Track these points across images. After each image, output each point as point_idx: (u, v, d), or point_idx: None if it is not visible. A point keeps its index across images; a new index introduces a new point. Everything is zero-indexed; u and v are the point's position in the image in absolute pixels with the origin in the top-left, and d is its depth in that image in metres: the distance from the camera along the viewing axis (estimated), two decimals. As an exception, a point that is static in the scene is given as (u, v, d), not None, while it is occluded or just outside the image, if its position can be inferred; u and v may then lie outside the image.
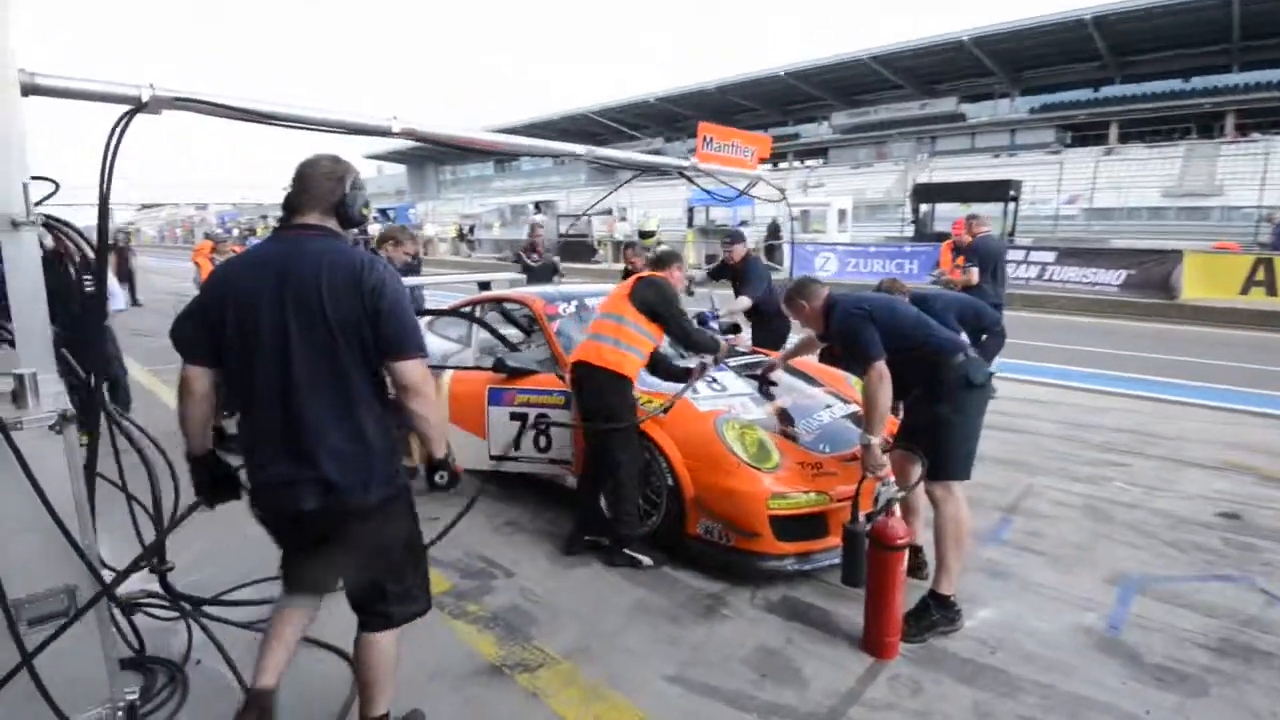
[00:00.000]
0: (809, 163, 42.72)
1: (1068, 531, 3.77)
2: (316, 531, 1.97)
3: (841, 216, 19.90)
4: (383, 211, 34.98)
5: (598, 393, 3.36)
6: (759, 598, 3.09)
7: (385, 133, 2.89)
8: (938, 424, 2.85)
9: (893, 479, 3.32)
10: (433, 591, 2.93)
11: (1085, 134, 32.82)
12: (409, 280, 5.26)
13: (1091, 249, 14.30)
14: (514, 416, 3.88)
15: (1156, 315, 11.81)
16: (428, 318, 5.16)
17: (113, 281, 5.35)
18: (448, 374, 4.31)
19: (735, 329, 5.33)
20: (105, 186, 2.33)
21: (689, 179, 4.58)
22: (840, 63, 35.28)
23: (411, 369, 1.88)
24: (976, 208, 17.91)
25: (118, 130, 2.31)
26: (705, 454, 3.25)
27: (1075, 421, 5.82)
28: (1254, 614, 2.96)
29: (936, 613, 2.78)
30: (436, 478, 2.08)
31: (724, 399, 3.65)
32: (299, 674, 2.56)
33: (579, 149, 3.63)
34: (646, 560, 3.33)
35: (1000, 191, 16.23)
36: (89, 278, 4.68)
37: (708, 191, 4.94)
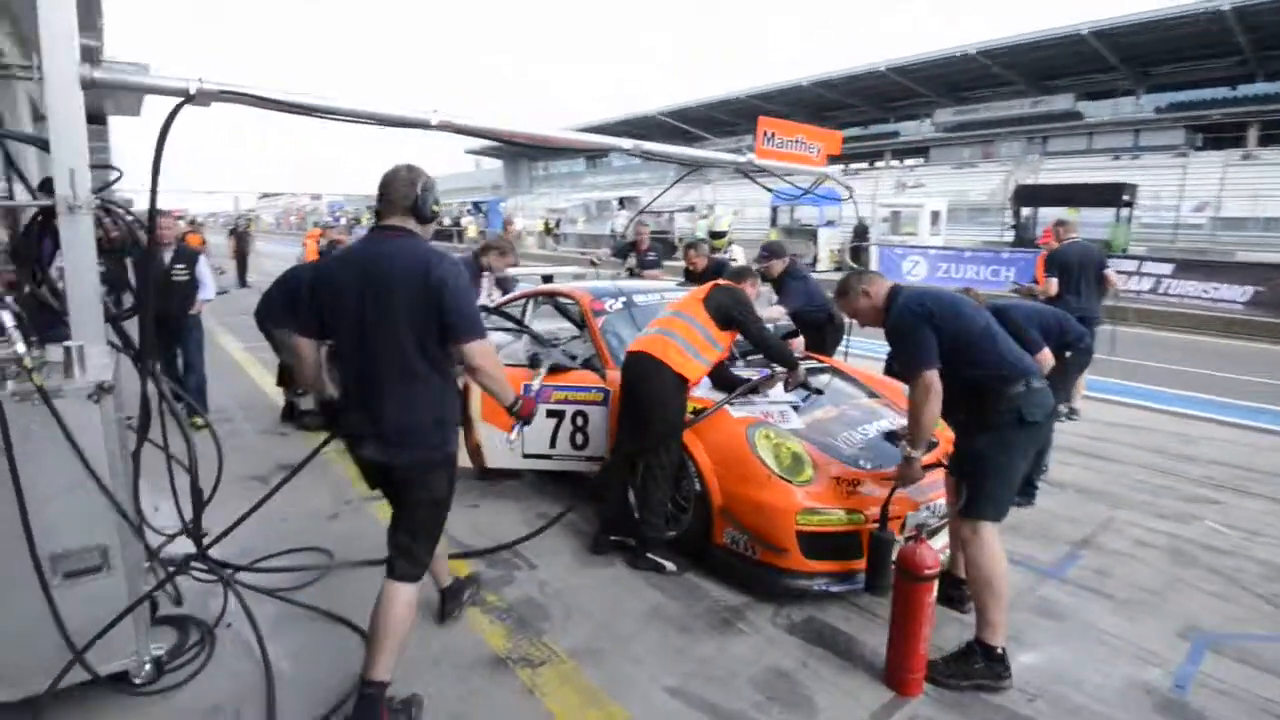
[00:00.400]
0: (908, 162, 41.01)
1: (1142, 573, 3.41)
2: (380, 478, 2.34)
3: (935, 218, 18.96)
4: (475, 205, 36.22)
5: (654, 389, 3.28)
6: (781, 616, 2.95)
7: (424, 125, 2.93)
8: (977, 457, 2.59)
9: (939, 502, 3.10)
10: (460, 574, 3.04)
11: (1220, 136, 29.80)
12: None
13: (1214, 261, 12.99)
14: (550, 414, 3.86)
15: (1289, 338, 10.59)
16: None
17: (204, 269, 5.41)
18: None
19: (794, 334, 5.16)
20: (155, 174, 2.46)
21: (747, 175, 4.44)
22: (945, 57, 33.60)
23: (472, 350, 2.20)
24: (1086, 214, 16.75)
25: (169, 121, 2.46)
26: (735, 462, 3.14)
27: (1171, 451, 5.28)
28: (1355, 687, 2.57)
29: (981, 662, 2.52)
30: (516, 427, 2.65)
31: (762, 406, 3.51)
32: (315, 651, 2.67)
33: (625, 143, 3.58)
34: (670, 566, 3.25)
35: (1112, 196, 15.01)
36: (181, 265, 5.06)
37: (769, 190, 4.76)
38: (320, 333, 2.32)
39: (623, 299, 4.42)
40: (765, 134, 4.49)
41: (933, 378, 2.53)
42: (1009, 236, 18.30)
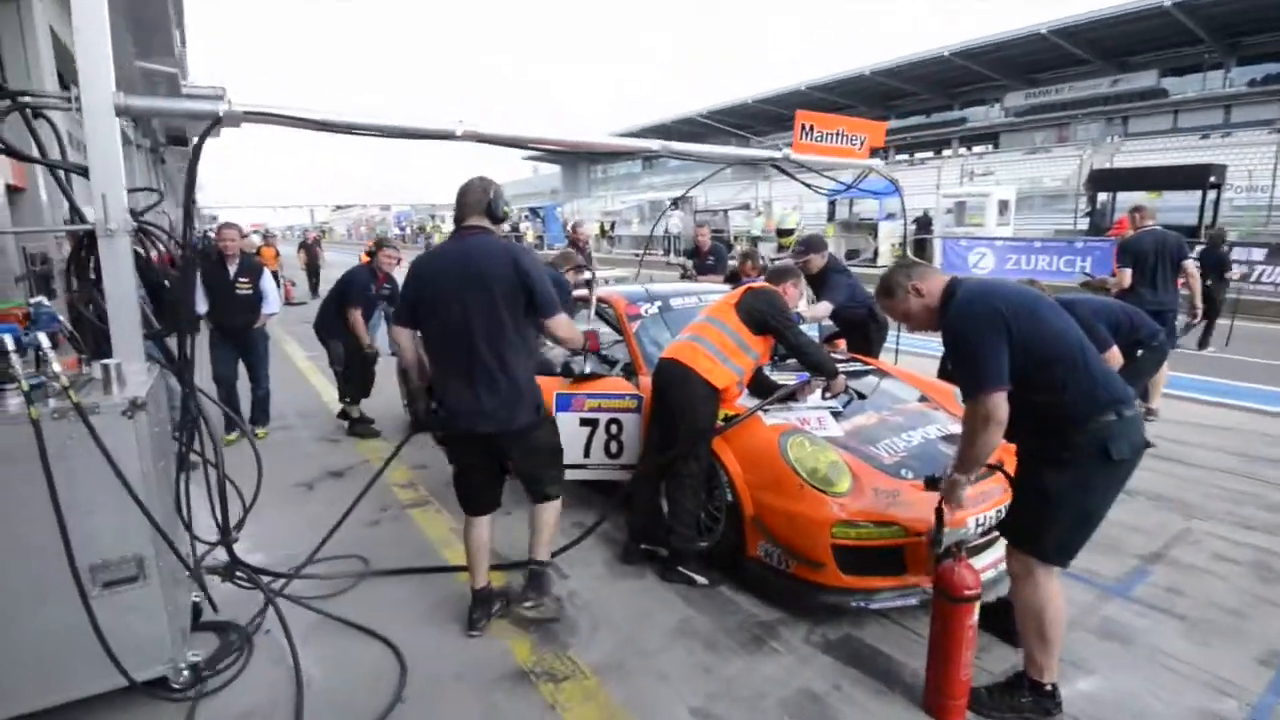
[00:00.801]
0: (976, 149, 39.37)
1: (1221, 592, 3.12)
2: (482, 447, 2.72)
3: (1003, 208, 18.06)
4: (533, 210, 36.76)
5: (684, 396, 3.20)
6: (816, 634, 2.82)
7: (449, 136, 2.95)
8: (1044, 495, 2.16)
9: (987, 513, 2.91)
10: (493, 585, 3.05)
11: (1325, 108, 27.41)
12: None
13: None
14: (584, 422, 3.81)
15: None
16: None
17: (269, 283, 5.43)
18: None
19: (837, 335, 4.97)
20: (189, 193, 2.55)
21: (783, 171, 4.30)
22: (1013, 39, 31.92)
23: (555, 323, 2.72)
24: (1169, 197, 15.67)
25: (201, 142, 2.55)
26: (766, 471, 3.03)
27: (1260, 455, 4.84)
28: None
29: (1028, 696, 2.32)
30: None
31: (799, 412, 3.38)
32: (345, 661, 2.71)
33: (654, 144, 3.51)
34: (701, 579, 3.17)
35: (1197, 177, 13.90)
36: (244, 279, 5.26)
37: (808, 185, 4.60)
38: (414, 322, 2.70)
39: (659, 303, 4.36)
40: (804, 127, 4.35)
41: (998, 402, 2.06)
42: (1084, 225, 17.29)
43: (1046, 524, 2.19)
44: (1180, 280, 5.49)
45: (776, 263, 3.77)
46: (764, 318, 3.29)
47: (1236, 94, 30.16)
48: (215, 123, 2.53)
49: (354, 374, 5.63)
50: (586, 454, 3.80)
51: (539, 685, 2.52)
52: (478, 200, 2.67)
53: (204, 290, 5.11)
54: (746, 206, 24.49)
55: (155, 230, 2.66)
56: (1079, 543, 2.23)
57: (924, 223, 17.28)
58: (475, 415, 2.61)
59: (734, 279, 6.18)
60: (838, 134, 4.56)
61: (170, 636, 2.47)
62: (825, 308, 4.66)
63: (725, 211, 24.15)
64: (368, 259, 5.78)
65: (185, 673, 2.52)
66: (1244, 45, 29.77)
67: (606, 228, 31.42)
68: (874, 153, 4.93)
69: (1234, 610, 2.98)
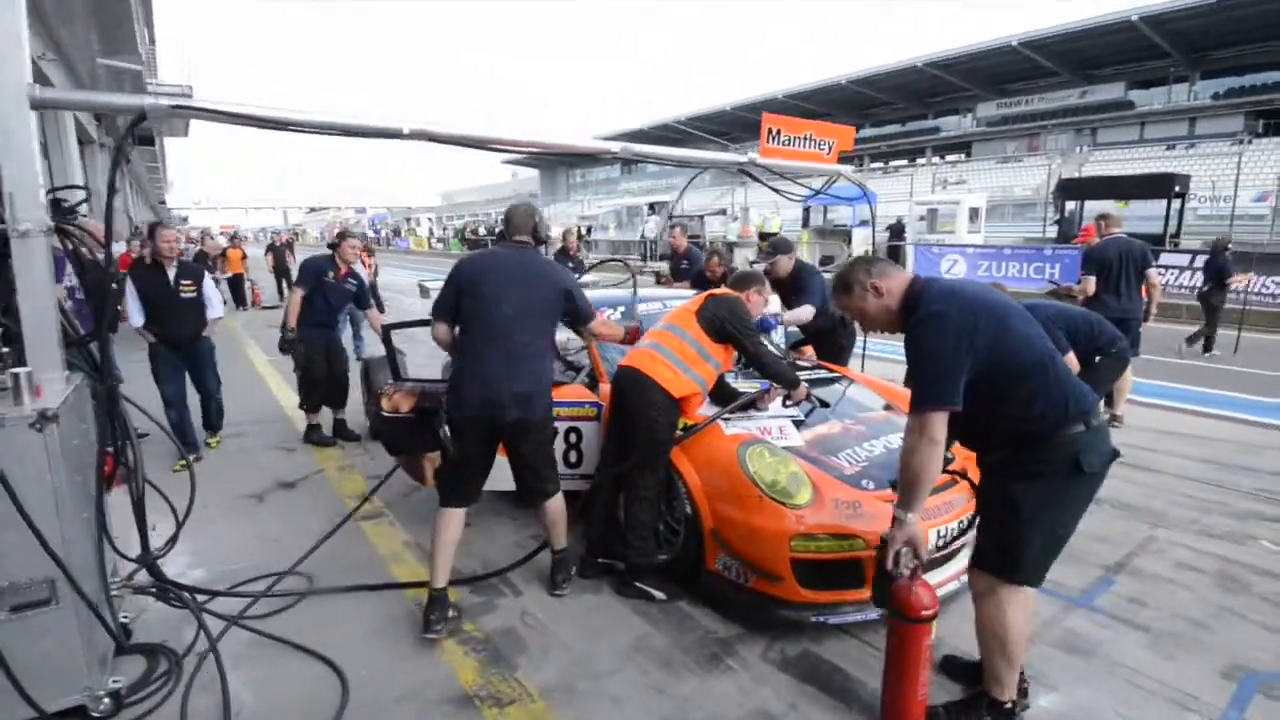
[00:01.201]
0: (950, 158, 39.92)
1: (1185, 602, 3.09)
2: (490, 439, 2.92)
3: (974, 215, 18.28)
4: (509, 213, 36.52)
5: (642, 405, 3.10)
6: (774, 650, 2.73)
7: (396, 135, 2.83)
8: (1016, 510, 2.07)
9: (946, 526, 2.84)
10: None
11: (1283, 121, 28.18)
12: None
13: (1277, 254, 12.13)
14: None
15: (1362, 334, 9.83)
16: None
17: (210, 287, 5.05)
18: None
19: (804, 343, 4.91)
20: (110, 193, 2.40)
21: (750, 176, 4.23)
22: (986, 50, 32.45)
23: (596, 324, 3.20)
24: (1135, 206, 15.96)
25: (124, 138, 2.41)
26: (725, 483, 2.93)
27: (1225, 462, 4.86)
28: None
29: (988, 714, 2.25)
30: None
31: (760, 422, 3.30)
32: (281, 684, 2.56)
33: (614, 146, 3.42)
34: (659, 594, 3.07)
35: (1162, 187, 14.16)
36: (187, 282, 4.98)
37: (776, 191, 4.54)
38: (456, 315, 2.95)
39: (622, 308, 4.26)
40: (770, 131, 4.28)
41: (939, 423, 1.94)
42: (1052, 232, 17.54)
43: (1018, 542, 2.08)
44: (1144, 288, 5.52)
45: (740, 270, 3.68)
46: (724, 325, 3.20)
47: (1201, 106, 30.95)
48: (140, 118, 2.40)
49: (316, 378, 5.26)
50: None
51: (482, 710, 2.39)
52: (525, 223, 3.09)
53: (139, 301, 4.67)
54: (723, 212, 24.51)
55: (75, 232, 2.50)
56: (1050, 561, 2.15)
57: (897, 230, 17.42)
58: (504, 400, 2.82)
59: (700, 278, 6.07)
60: (805, 138, 4.50)
61: (86, 662, 2.31)
62: (808, 311, 4.48)
63: (702, 217, 24.17)
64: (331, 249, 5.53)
65: (105, 701, 2.36)
66: (1208, 59, 30.57)
67: (583, 232, 31.28)
68: (843, 158, 4.89)
69: (1197, 621, 2.94)
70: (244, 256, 15.24)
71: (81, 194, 2.77)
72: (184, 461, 4.43)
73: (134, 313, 4.70)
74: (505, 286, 2.90)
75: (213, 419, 5.34)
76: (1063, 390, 2.02)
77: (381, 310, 6.73)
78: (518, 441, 2.94)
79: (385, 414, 3.77)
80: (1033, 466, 2.03)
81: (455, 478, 3.00)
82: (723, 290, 3.44)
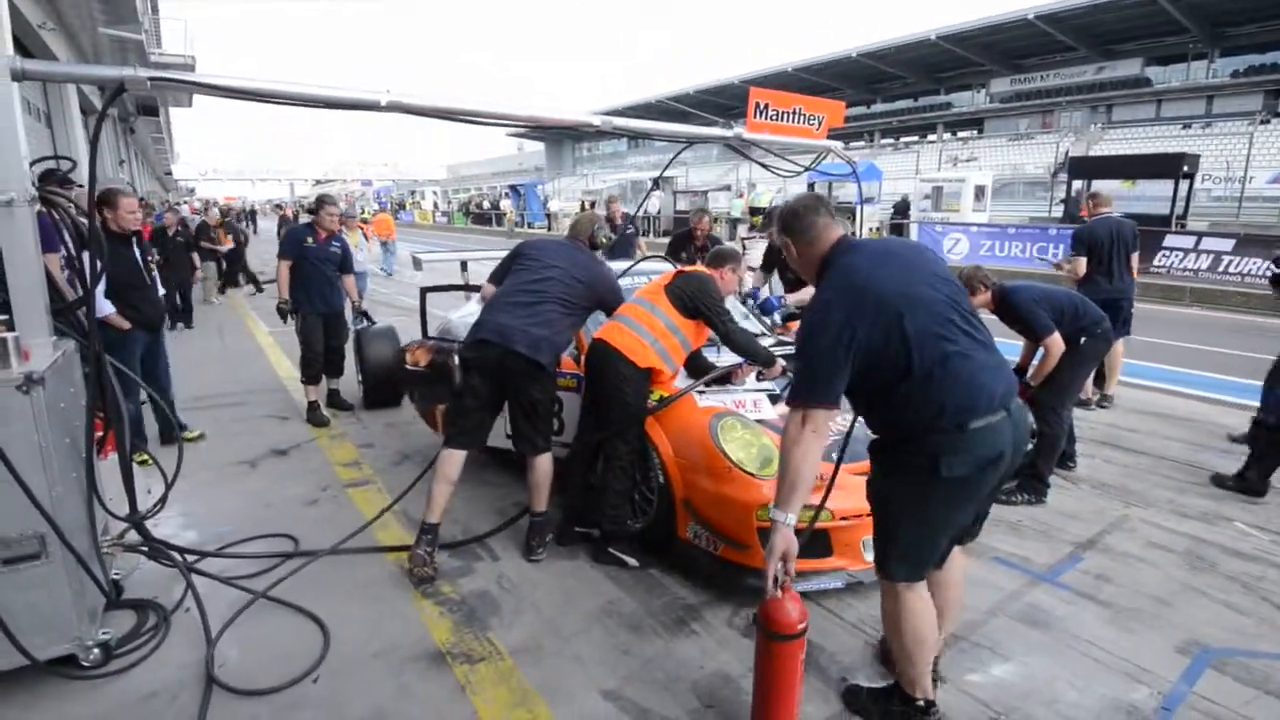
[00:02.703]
0: (961, 134, 39.37)
1: (1150, 580, 3.15)
2: (497, 379, 3.11)
3: (979, 194, 18.08)
4: (513, 188, 36.36)
5: (610, 376, 3.16)
6: (740, 616, 2.81)
7: (374, 106, 2.85)
8: (880, 501, 2.04)
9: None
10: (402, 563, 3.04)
11: (1304, 100, 27.62)
12: None
13: (1282, 237, 11.98)
14: None
15: (1365, 319, 9.77)
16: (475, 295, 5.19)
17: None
18: None
19: (794, 317, 4.94)
20: (93, 164, 2.44)
21: (736, 151, 4.23)
22: (1001, 23, 31.80)
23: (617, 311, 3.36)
24: (1143, 185, 15.76)
25: (105, 109, 2.44)
26: (698, 453, 2.99)
27: (1207, 444, 4.89)
28: (1373, 715, 2.30)
29: (899, 706, 2.17)
30: None
31: (735, 394, 3.35)
32: (265, 641, 2.67)
33: (595, 119, 3.43)
34: (632, 561, 3.15)
35: (1170, 166, 13.94)
36: (153, 258, 4.85)
37: (764, 166, 4.53)
38: (502, 279, 3.33)
39: None
40: (757, 105, 4.26)
41: (821, 416, 1.84)
42: (1059, 211, 17.34)
43: (884, 537, 2.03)
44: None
45: (718, 247, 3.69)
46: (693, 302, 3.23)
47: (1219, 85, 30.32)
48: (119, 90, 2.43)
49: (315, 349, 5.29)
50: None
51: (454, 666, 2.49)
52: (585, 229, 3.49)
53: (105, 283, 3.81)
54: (728, 188, 24.34)
55: (59, 201, 2.55)
56: (926, 556, 2.02)
57: (901, 207, 17.26)
58: (516, 334, 3.02)
59: (687, 239, 6.07)
60: (794, 113, 4.47)
61: (76, 614, 2.41)
62: (810, 292, 4.53)
63: (706, 193, 24.00)
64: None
65: (95, 651, 2.47)
66: (1228, 36, 29.88)
67: (588, 206, 31.12)
68: (834, 134, 4.87)
69: (1160, 598, 3.00)
70: (239, 239, 14.27)
71: (69, 164, 2.81)
72: (190, 434, 4.48)
73: (99, 299, 3.80)
74: (548, 263, 3.25)
75: (172, 419, 4.12)
76: (945, 394, 1.84)
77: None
78: (519, 387, 3.11)
79: (407, 366, 4.31)
80: (897, 461, 1.96)
81: (458, 414, 3.20)
82: (695, 267, 3.48)
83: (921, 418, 1.86)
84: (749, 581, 2.83)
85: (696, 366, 3.51)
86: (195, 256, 9.65)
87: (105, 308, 4.04)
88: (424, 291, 4.83)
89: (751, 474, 2.83)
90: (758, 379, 3.48)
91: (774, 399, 3.39)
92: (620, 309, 3.36)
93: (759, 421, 3.13)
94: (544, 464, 3.24)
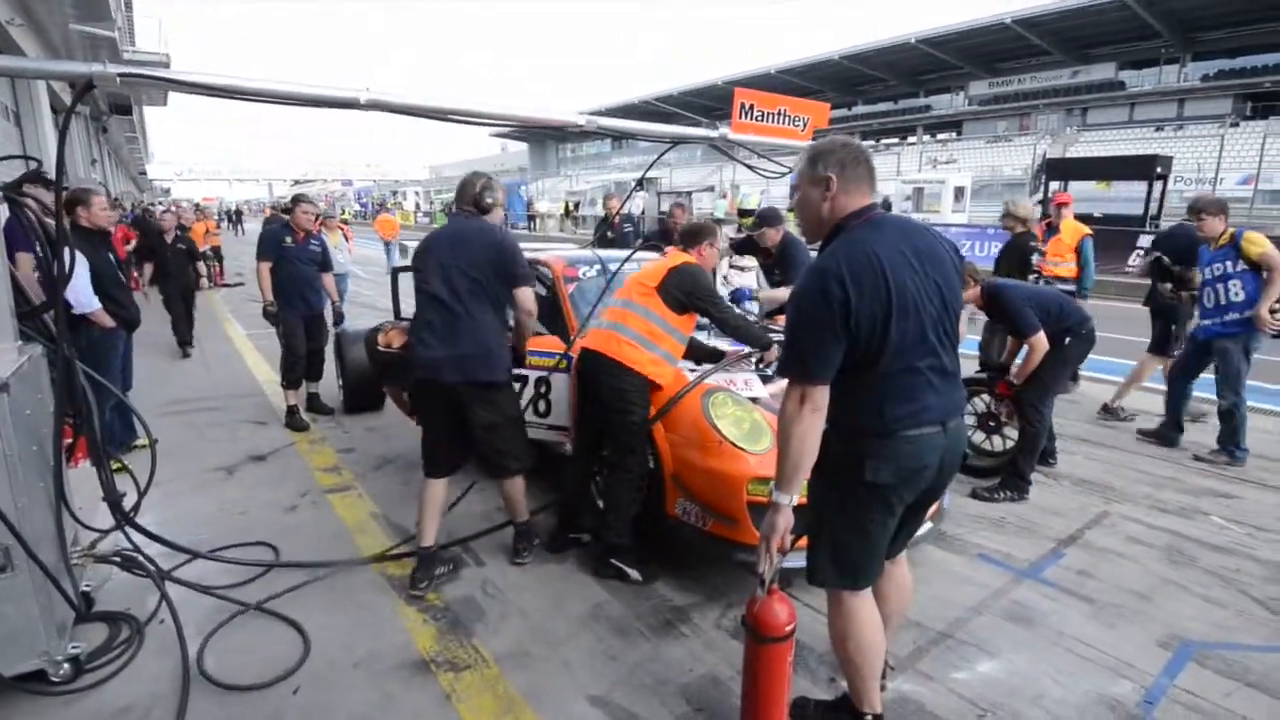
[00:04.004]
0: (940, 136, 39.82)
1: (1130, 575, 3.18)
2: (446, 403, 2.98)
3: (959, 194, 18.32)
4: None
5: (614, 390, 3.03)
6: (727, 618, 2.80)
7: (353, 105, 2.78)
8: (815, 503, 1.98)
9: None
10: (399, 574, 2.99)
11: (1271, 104, 28.24)
12: None
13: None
14: (515, 377, 3.76)
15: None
16: None
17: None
18: None
19: (780, 311, 4.94)
20: (60, 163, 2.37)
21: (722, 152, 4.22)
22: (979, 27, 32.29)
23: (520, 293, 3.04)
24: (1117, 187, 16.02)
25: (73, 106, 2.37)
26: (688, 429, 2.97)
27: (1186, 439, 4.96)
28: (1350, 707, 2.34)
29: (848, 719, 2.10)
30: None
31: (726, 372, 3.34)
32: (255, 637, 2.62)
33: (581, 119, 3.38)
34: (635, 574, 3.04)
35: (1144, 168, 14.18)
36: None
37: (748, 166, 4.52)
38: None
39: (597, 266, 4.28)
40: (742, 106, 4.24)
41: (819, 391, 1.76)
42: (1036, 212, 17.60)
43: (816, 539, 1.98)
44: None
45: (689, 223, 3.65)
46: (689, 298, 3.15)
47: (1190, 88, 30.96)
48: (88, 86, 2.35)
49: (298, 352, 5.18)
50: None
51: (438, 675, 2.45)
52: (466, 193, 3.10)
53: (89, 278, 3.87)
54: (711, 189, 24.39)
55: (23, 200, 2.48)
56: (851, 561, 1.92)
57: (884, 208, 17.40)
58: (443, 366, 2.90)
59: (665, 236, 6.07)
60: (779, 114, 4.45)
61: (45, 628, 2.34)
62: (785, 293, 4.49)
63: (690, 193, 24.04)
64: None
65: (64, 666, 2.39)
66: (1199, 41, 30.52)
67: (571, 207, 31.08)
68: (819, 134, 4.87)
69: (1141, 593, 3.02)
70: (207, 232, 14.22)
71: (36, 163, 2.73)
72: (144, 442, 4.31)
73: (84, 293, 3.81)
74: (441, 258, 2.98)
75: (132, 423, 4.35)
76: (889, 400, 1.80)
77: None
78: (467, 409, 2.96)
79: (380, 348, 4.19)
80: (830, 463, 1.87)
81: (424, 445, 3.11)
82: (680, 259, 3.30)
83: (861, 414, 1.83)
84: (738, 556, 2.79)
85: (692, 350, 3.44)
86: (200, 266, 9.05)
87: (92, 304, 3.95)
88: (395, 272, 4.77)
89: (742, 449, 2.83)
90: (756, 366, 3.47)
91: (765, 378, 3.38)
92: (612, 313, 3.25)
93: (751, 399, 3.12)
94: (515, 482, 3.14)
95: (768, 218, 4.75)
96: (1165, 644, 2.67)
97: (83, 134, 20.88)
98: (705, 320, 3.35)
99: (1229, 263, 4.40)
